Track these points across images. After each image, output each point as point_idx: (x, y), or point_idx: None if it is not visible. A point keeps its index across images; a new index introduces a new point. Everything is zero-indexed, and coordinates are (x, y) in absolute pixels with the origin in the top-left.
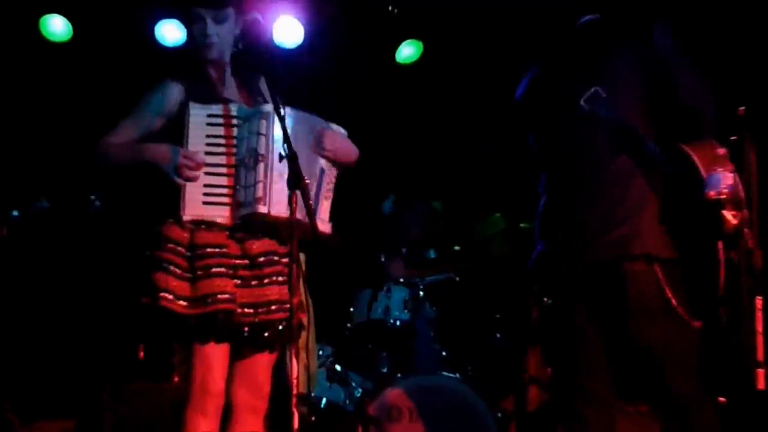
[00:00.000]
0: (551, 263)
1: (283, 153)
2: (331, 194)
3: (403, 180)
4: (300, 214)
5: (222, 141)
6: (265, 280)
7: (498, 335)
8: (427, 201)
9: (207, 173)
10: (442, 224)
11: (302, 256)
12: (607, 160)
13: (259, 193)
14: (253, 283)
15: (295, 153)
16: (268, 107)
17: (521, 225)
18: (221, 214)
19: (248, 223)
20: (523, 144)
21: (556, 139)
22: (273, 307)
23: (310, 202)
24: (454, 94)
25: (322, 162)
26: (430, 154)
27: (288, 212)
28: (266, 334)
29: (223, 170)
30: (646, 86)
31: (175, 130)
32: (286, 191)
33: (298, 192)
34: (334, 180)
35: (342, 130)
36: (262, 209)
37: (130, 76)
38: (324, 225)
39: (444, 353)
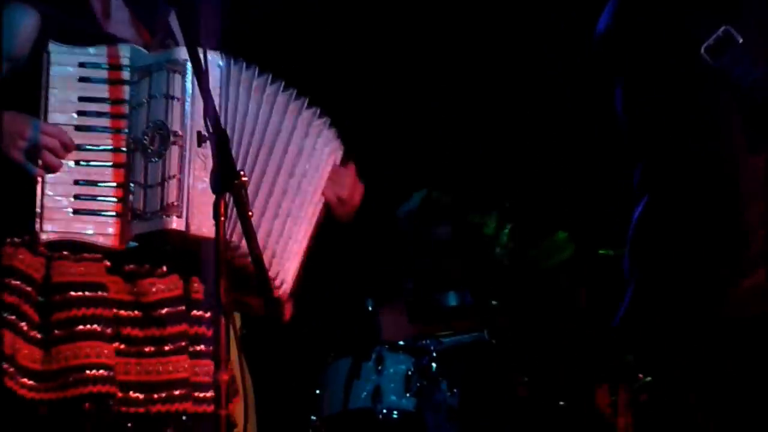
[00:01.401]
0: (658, 316)
1: (204, 131)
2: None
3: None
4: (236, 236)
5: (105, 108)
6: (167, 346)
7: None
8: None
9: (80, 163)
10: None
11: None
12: (743, 149)
13: (171, 197)
14: (148, 350)
15: (224, 132)
16: (183, 52)
17: (600, 252)
18: (102, 232)
19: (149, 247)
20: (603, 114)
21: (662, 105)
22: (177, 392)
23: (250, 212)
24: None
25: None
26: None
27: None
28: None
29: (108, 158)
30: None
31: (26, 88)
32: (211, 196)
33: (230, 197)
34: None
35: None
36: (175, 224)
37: None
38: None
39: None
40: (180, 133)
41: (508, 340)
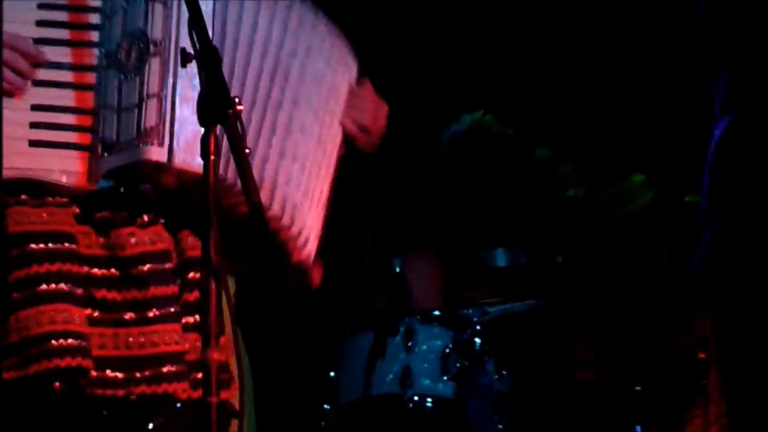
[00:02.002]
0: (743, 263)
1: (190, 48)
2: None
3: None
4: (230, 174)
5: (70, 17)
6: (152, 312)
7: (638, 428)
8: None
9: (38, 84)
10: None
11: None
12: None
13: (149, 120)
14: (127, 317)
15: (215, 49)
16: None
17: (687, 198)
18: (66, 168)
19: (125, 184)
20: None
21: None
22: (166, 369)
23: (247, 149)
24: None
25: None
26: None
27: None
28: (150, 427)
29: (72, 77)
30: None
31: None
32: (198, 127)
33: (220, 130)
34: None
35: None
36: (154, 153)
37: None
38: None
39: None
40: (162, 42)
41: (571, 309)
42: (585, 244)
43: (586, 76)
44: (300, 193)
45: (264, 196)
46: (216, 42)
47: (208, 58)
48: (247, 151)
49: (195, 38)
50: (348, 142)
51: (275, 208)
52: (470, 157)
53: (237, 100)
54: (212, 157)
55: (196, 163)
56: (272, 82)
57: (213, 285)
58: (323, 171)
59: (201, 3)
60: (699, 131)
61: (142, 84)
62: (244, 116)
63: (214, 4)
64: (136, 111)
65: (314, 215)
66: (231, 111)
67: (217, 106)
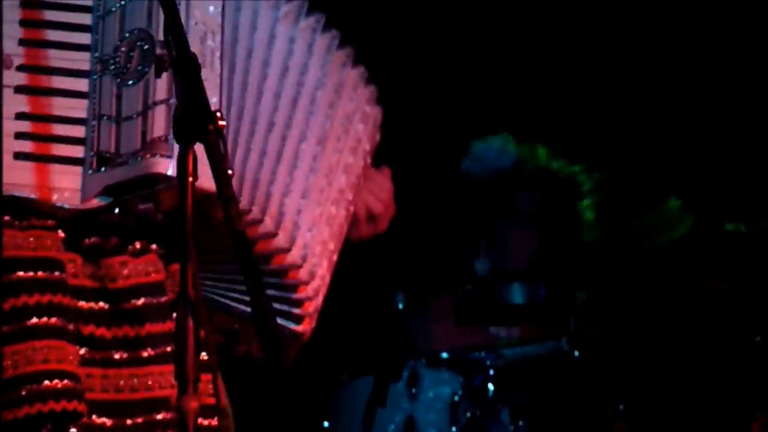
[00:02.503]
0: None
1: (163, 51)
2: None
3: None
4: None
5: (60, 17)
6: (146, 352)
7: None
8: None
9: (24, 90)
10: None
11: None
12: None
13: (157, 129)
14: (118, 356)
15: (194, 57)
16: None
17: (727, 227)
18: (55, 185)
19: (122, 204)
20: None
21: None
22: (160, 416)
23: (230, 171)
24: None
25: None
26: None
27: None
28: None
29: (62, 84)
30: None
31: None
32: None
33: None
34: None
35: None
36: (164, 166)
37: None
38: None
39: None
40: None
41: (598, 351)
42: (612, 279)
43: (618, 93)
44: (303, 220)
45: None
46: (226, 48)
47: (186, 65)
48: (230, 172)
49: (171, 42)
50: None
51: (281, 239)
52: (523, 195)
53: (219, 114)
54: (190, 179)
55: (209, 179)
56: (294, 109)
57: (190, 322)
58: (336, 229)
59: (208, 3)
60: (740, 154)
61: (147, 89)
62: (257, 140)
63: (224, 5)
64: (140, 120)
65: (322, 257)
66: (212, 127)
67: (196, 121)
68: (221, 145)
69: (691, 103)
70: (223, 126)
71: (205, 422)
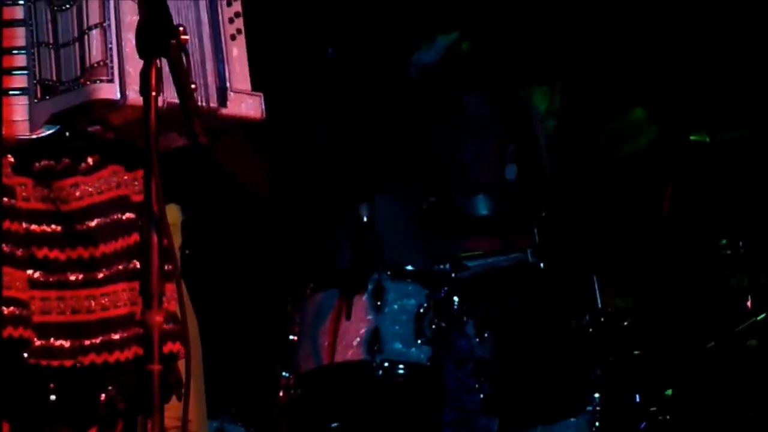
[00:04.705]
0: None
1: None
2: (243, 50)
3: None
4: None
5: None
6: (101, 273)
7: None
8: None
9: None
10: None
11: (175, 211)
12: None
13: (94, 54)
14: (73, 278)
15: None
16: None
17: (692, 137)
18: (7, 117)
19: (71, 128)
20: None
21: None
22: (117, 336)
23: (192, 84)
24: None
25: None
26: None
27: (163, 99)
28: (102, 397)
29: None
30: None
31: None
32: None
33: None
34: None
35: None
36: (107, 91)
37: None
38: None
39: None
40: None
41: (561, 262)
42: (576, 190)
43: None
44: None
45: None
46: None
47: None
48: (193, 86)
49: None
50: None
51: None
52: (445, 90)
53: (181, 28)
54: (153, 93)
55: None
56: None
57: (154, 236)
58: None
59: None
60: (706, 64)
61: (80, 14)
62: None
63: None
64: (77, 46)
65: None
66: (174, 41)
67: (158, 36)
68: (184, 59)
69: (658, 12)
70: (185, 41)
71: (167, 327)
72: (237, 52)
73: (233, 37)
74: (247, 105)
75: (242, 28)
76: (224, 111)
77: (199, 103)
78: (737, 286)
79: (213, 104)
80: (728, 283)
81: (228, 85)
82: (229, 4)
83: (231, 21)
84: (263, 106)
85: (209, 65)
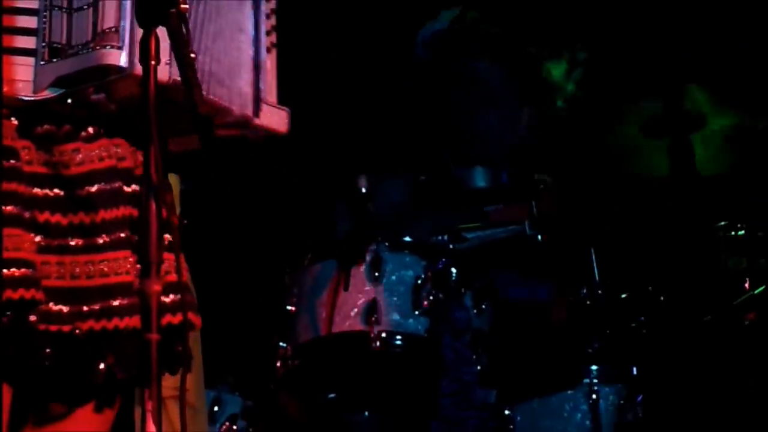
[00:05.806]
0: None
1: None
2: (275, 64)
3: None
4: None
5: None
6: (101, 239)
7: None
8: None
9: None
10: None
11: (173, 180)
12: None
13: (107, 20)
14: (73, 243)
15: None
16: None
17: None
18: (8, 75)
19: (74, 94)
20: None
21: None
22: (117, 303)
23: (192, 53)
24: None
25: None
26: None
27: (169, 74)
28: (101, 366)
29: None
30: None
31: None
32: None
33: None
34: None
35: None
36: (115, 57)
37: None
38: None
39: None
40: None
41: (561, 235)
42: (577, 160)
43: None
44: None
45: None
46: None
47: None
48: (192, 56)
49: None
50: None
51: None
52: (452, 60)
53: None
54: (152, 63)
55: (161, 70)
56: None
57: (153, 205)
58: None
59: None
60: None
61: None
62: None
63: None
64: (91, 11)
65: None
66: (174, 10)
67: (158, 5)
68: (183, 29)
69: None
70: (185, 9)
71: (167, 299)
72: (270, 65)
73: (269, 50)
74: (277, 118)
75: (275, 41)
76: (257, 121)
77: (233, 109)
78: (736, 267)
79: (248, 112)
80: (727, 264)
81: (262, 96)
82: (267, 17)
83: (268, 33)
84: (289, 121)
85: (246, 74)
